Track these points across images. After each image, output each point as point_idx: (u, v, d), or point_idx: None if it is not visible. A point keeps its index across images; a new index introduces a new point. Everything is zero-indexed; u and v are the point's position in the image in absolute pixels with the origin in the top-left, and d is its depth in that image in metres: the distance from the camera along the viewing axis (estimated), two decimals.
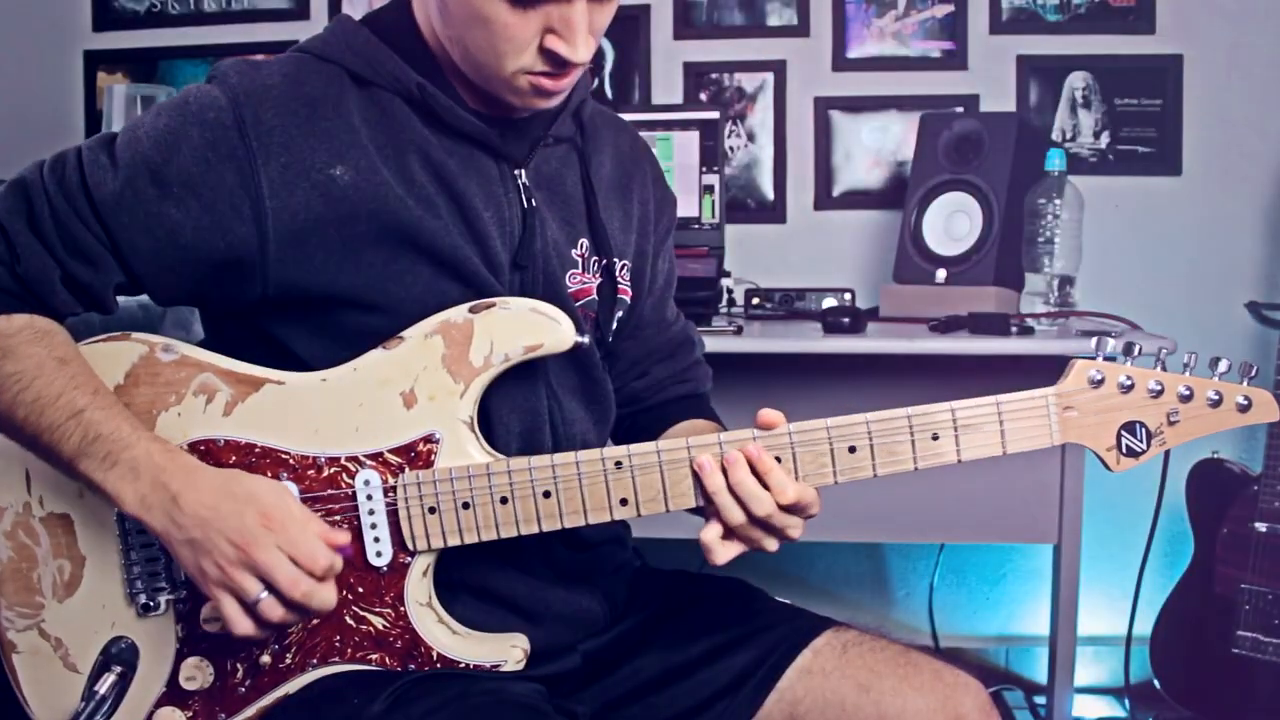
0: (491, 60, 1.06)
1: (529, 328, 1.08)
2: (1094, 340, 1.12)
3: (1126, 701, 2.52)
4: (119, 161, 1.06)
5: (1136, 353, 1.11)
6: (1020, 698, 2.59)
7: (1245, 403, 1.10)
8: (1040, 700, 2.54)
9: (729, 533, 1.07)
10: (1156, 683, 2.31)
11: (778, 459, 1.06)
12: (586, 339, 1.10)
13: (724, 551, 1.07)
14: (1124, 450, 1.10)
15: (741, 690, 1.16)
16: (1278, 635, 2.14)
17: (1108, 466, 1.10)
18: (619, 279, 1.23)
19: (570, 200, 1.21)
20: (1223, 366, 1.10)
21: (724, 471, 1.05)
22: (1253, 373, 1.11)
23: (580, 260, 1.20)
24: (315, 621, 1.08)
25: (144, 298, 1.13)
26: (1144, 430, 1.09)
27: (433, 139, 1.11)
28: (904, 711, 1.13)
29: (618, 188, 1.27)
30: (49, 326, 1.08)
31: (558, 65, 1.06)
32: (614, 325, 1.23)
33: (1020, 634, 2.70)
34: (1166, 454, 2.30)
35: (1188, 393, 1.09)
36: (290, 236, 1.05)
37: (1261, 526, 2.17)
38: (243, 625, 1.01)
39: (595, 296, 1.21)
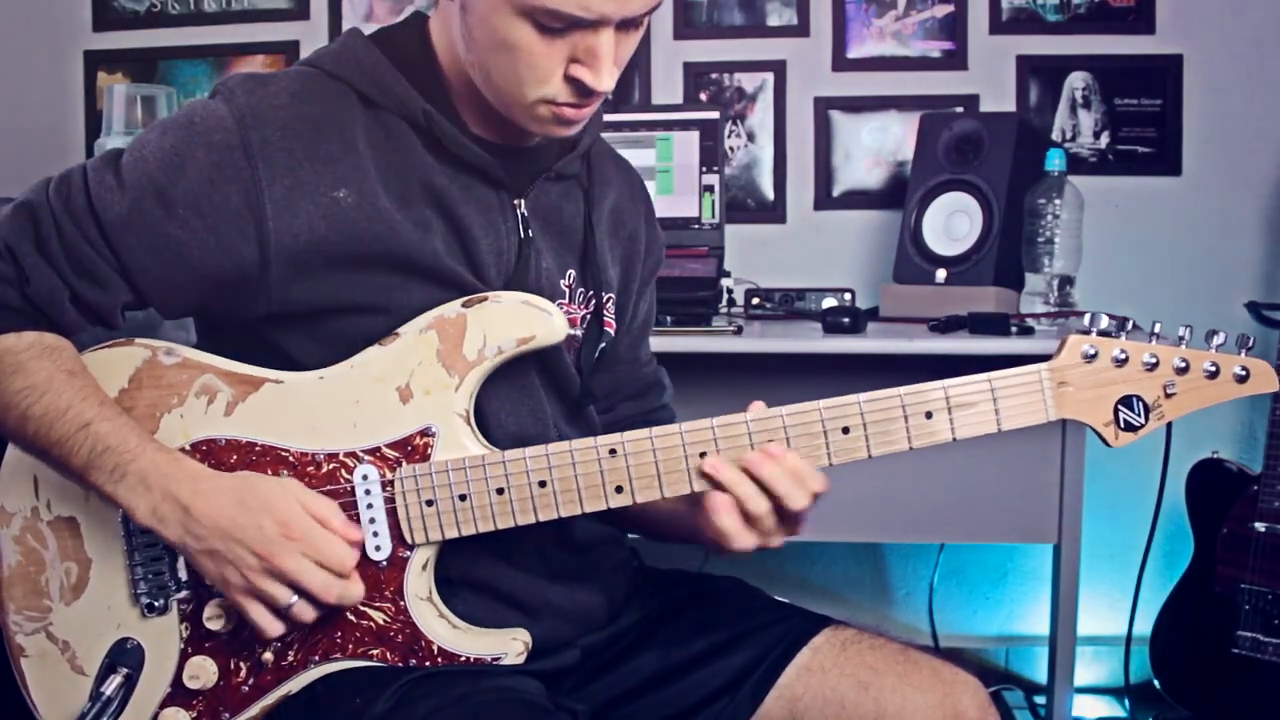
0: (515, 87, 1.06)
1: (521, 320, 1.08)
2: (1087, 316, 1.11)
3: (1126, 701, 2.52)
4: (125, 182, 1.06)
5: (1130, 327, 1.10)
6: (1020, 698, 2.59)
7: (1243, 373, 1.08)
8: (1040, 700, 2.54)
9: (747, 521, 1.06)
10: (1156, 683, 2.31)
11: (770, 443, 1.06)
12: (578, 332, 1.09)
13: (745, 538, 1.06)
14: (1122, 425, 1.08)
15: (742, 688, 1.16)
16: (1278, 635, 2.14)
17: (1106, 442, 1.09)
18: (604, 311, 1.23)
19: (565, 233, 1.21)
20: (1219, 339, 1.08)
21: (746, 470, 1.05)
22: (1250, 344, 1.09)
23: (567, 291, 1.21)
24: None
25: None
26: (1141, 404, 1.08)
27: (436, 165, 1.11)
28: (903, 709, 1.13)
29: (614, 223, 1.27)
30: (57, 342, 1.08)
31: (582, 94, 1.06)
32: (595, 357, 1.23)
33: (1020, 634, 2.70)
34: (1166, 454, 2.32)
35: (1184, 365, 1.08)
36: (292, 257, 1.06)
37: (1261, 526, 2.17)
38: (274, 629, 1.04)
39: (579, 328, 1.22)
